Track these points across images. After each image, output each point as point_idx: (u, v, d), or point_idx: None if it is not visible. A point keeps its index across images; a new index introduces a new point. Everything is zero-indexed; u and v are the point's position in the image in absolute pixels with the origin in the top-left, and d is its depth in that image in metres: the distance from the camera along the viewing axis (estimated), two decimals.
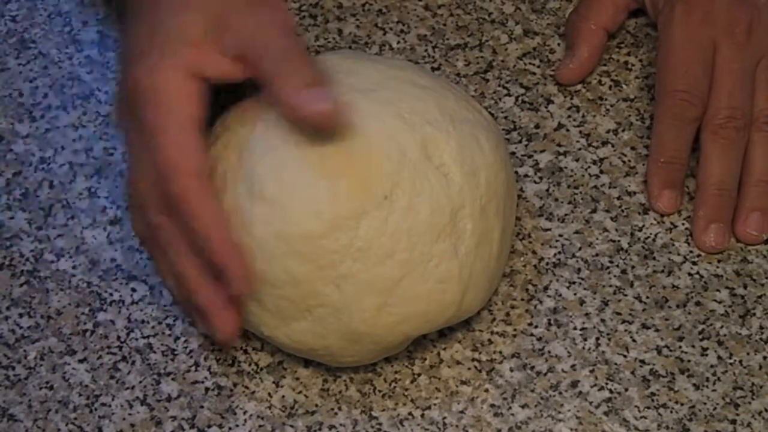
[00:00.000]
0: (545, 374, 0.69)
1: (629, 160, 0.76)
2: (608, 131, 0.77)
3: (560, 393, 0.68)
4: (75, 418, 0.67)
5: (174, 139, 0.63)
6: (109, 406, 0.68)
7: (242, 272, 0.63)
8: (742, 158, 0.73)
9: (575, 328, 0.70)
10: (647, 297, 0.71)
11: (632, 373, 0.69)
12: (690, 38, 0.74)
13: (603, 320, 0.70)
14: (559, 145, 0.77)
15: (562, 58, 0.79)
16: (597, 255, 0.73)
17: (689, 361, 0.69)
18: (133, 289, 0.71)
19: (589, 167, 0.76)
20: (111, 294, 0.71)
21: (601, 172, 0.76)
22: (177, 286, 0.66)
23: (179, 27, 0.65)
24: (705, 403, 0.68)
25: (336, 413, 0.68)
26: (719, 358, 0.69)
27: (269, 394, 0.68)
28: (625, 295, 0.71)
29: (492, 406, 0.68)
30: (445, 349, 0.70)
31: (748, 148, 0.73)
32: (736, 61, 0.74)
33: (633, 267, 0.72)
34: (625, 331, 0.70)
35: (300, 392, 0.68)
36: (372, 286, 0.64)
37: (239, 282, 0.63)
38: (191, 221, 0.63)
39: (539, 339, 0.70)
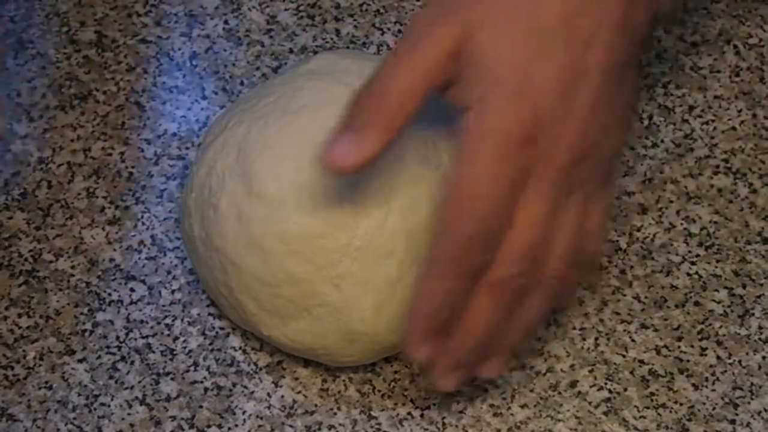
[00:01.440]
0: (544, 374, 0.69)
1: (628, 160, 0.76)
2: None
3: (559, 393, 0.68)
4: (74, 418, 0.67)
5: None
6: (109, 406, 0.68)
7: None
8: None
9: (574, 328, 0.70)
10: (646, 297, 0.71)
11: (631, 373, 0.69)
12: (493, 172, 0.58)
13: (602, 320, 0.70)
14: None
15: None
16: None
17: (688, 361, 0.69)
18: (132, 289, 0.71)
19: None
20: (110, 294, 0.71)
21: None
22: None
23: None
24: (704, 403, 0.68)
25: (335, 413, 0.67)
26: (718, 358, 0.69)
27: (268, 394, 0.68)
28: (624, 295, 0.71)
29: (491, 406, 0.68)
30: None
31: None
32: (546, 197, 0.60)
33: (632, 267, 0.72)
34: (624, 331, 0.70)
35: (299, 392, 0.68)
36: (371, 285, 0.64)
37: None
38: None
39: (538, 339, 0.70)
